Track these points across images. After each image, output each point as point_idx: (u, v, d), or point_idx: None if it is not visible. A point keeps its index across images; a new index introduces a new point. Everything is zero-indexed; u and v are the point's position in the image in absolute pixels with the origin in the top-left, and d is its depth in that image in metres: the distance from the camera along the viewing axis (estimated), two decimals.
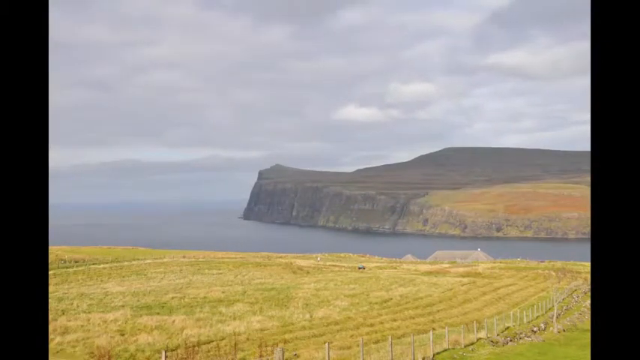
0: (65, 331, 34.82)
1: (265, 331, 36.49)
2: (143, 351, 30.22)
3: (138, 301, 48.94)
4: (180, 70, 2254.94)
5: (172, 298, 51.01)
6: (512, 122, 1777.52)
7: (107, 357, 24.29)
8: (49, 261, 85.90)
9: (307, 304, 48.16)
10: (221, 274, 78.07)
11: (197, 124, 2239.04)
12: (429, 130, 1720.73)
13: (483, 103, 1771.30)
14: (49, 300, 45.72)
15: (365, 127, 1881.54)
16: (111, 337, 33.33)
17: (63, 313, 41.49)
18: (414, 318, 45.75)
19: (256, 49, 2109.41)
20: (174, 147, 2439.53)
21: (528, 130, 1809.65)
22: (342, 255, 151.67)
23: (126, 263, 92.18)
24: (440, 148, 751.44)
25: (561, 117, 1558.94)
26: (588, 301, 58.64)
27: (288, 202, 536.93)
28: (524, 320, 47.60)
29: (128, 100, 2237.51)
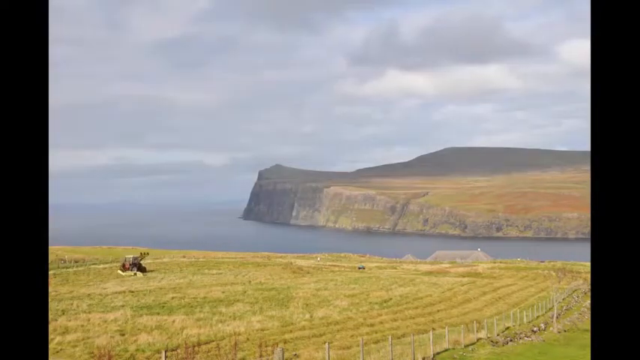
0: (65, 331, 34.82)
1: (265, 331, 36.49)
2: (143, 351, 30.21)
3: (138, 301, 48.96)
4: (143, 81, 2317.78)
5: (172, 298, 51.04)
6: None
7: (107, 357, 24.26)
8: (49, 261, 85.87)
9: (307, 304, 48.15)
10: (221, 274, 78.09)
11: (177, 128, 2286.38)
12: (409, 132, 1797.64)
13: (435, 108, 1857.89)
14: (49, 300, 45.72)
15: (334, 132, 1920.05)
16: (111, 337, 33.32)
17: (63, 313, 41.50)
18: (414, 318, 45.73)
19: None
20: (163, 150, 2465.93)
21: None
22: (342, 255, 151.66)
23: None
24: (440, 148, 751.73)
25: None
26: (588, 301, 58.64)
27: (288, 202, 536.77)
28: (525, 320, 47.58)
29: (106, 108, 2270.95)
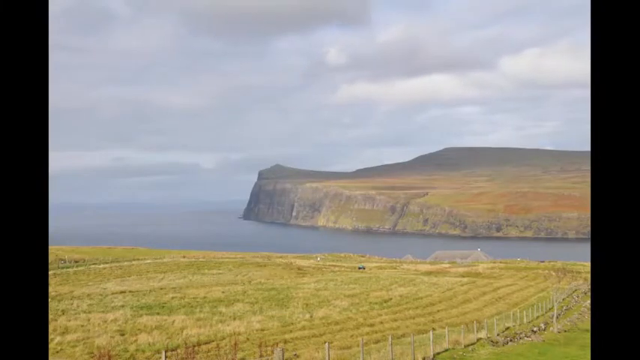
0: (65, 331, 34.82)
1: (265, 331, 36.49)
2: (143, 351, 30.22)
3: (138, 301, 48.96)
4: (135, 86, 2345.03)
5: (172, 298, 51.04)
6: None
7: (107, 357, 24.26)
8: (49, 261, 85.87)
9: (307, 304, 48.16)
10: (221, 274, 78.08)
11: (176, 130, 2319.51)
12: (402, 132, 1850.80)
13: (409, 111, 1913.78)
14: (49, 300, 45.72)
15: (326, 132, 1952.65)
16: (111, 337, 33.32)
17: (63, 313, 41.49)
18: (414, 318, 45.74)
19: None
20: (162, 151, 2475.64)
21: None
22: (342, 255, 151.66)
23: (126, 263, 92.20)
24: (440, 148, 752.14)
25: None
26: (588, 301, 58.64)
27: (288, 202, 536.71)
28: (525, 320, 47.58)
29: (103, 111, 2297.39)
